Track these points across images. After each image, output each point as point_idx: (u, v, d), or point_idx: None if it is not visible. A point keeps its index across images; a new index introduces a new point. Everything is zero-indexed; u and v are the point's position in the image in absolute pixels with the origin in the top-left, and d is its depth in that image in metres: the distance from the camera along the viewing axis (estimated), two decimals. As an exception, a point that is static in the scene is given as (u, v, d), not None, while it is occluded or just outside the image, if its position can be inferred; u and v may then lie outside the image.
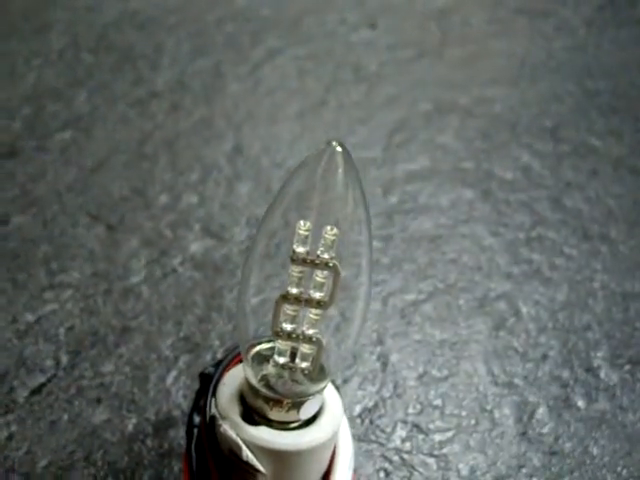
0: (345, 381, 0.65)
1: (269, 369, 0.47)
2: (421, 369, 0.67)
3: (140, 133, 0.92)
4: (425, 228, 0.82)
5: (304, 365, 0.47)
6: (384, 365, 0.67)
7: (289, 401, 0.46)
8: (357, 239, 0.44)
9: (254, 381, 0.46)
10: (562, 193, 0.89)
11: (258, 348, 0.48)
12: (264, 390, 0.46)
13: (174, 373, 0.64)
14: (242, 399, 0.49)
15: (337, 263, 0.44)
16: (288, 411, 0.47)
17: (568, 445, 0.62)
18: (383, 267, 0.76)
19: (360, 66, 1.11)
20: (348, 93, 1.04)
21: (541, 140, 0.98)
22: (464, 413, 0.64)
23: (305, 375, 0.47)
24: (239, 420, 0.47)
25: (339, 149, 0.42)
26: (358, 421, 0.62)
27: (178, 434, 0.60)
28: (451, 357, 0.68)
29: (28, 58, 1.04)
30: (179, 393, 0.63)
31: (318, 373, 0.47)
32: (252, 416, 0.48)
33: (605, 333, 0.71)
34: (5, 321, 0.68)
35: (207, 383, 0.54)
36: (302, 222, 0.43)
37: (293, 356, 0.47)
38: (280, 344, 0.47)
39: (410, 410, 0.64)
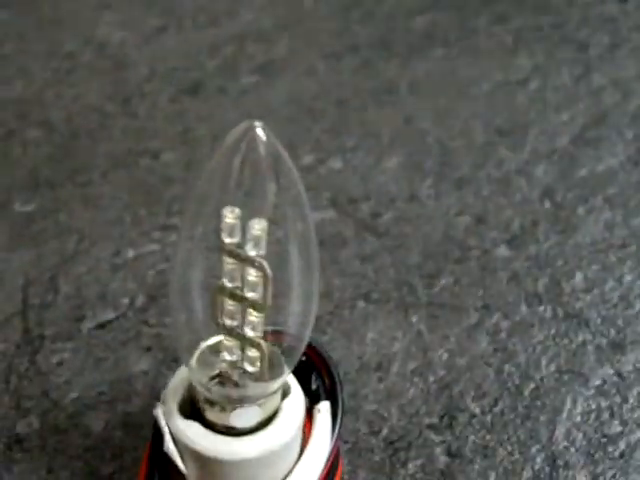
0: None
1: (220, 366, 0.43)
2: None
3: (320, 86, 0.89)
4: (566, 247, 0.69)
5: (250, 369, 0.42)
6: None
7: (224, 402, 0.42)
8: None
9: (200, 382, 0.43)
10: None
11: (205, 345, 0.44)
12: (199, 387, 0.42)
13: (227, 342, 0.62)
14: (189, 386, 0.45)
15: (263, 262, 0.38)
16: (221, 412, 0.43)
17: None
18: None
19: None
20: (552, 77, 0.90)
21: None
22: None
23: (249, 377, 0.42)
24: (174, 407, 0.44)
25: (260, 133, 0.36)
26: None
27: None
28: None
29: None
30: (221, 363, 0.61)
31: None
32: (192, 409, 0.44)
33: None
34: (110, 252, 0.70)
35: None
36: (229, 208, 0.38)
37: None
38: (226, 340, 0.42)
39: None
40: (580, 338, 0.61)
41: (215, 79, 0.89)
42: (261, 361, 0.41)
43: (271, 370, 0.42)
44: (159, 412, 0.44)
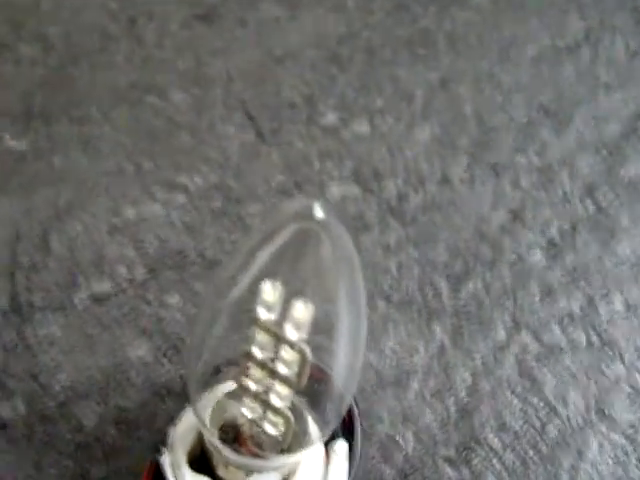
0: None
1: (234, 418, 0.39)
2: None
3: (347, 28, 0.80)
4: (602, 257, 0.64)
5: (272, 432, 0.37)
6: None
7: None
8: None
9: (209, 432, 0.38)
10: None
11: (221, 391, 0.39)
12: (217, 444, 0.38)
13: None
14: (199, 435, 0.41)
15: (304, 348, 0.33)
16: (235, 472, 0.39)
17: None
18: (526, 299, 0.61)
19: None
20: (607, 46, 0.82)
21: None
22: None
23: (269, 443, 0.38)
24: (182, 458, 0.40)
25: (319, 216, 0.30)
26: None
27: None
28: None
29: None
30: (225, 359, 0.56)
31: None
32: (199, 460, 0.40)
33: None
34: (107, 209, 0.63)
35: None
36: (269, 285, 0.33)
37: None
38: (247, 400, 0.37)
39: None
40: (614, 373, 0.57)
41: (233, 6, 0.80)
42: (286, 431, 0.37)
43: (296, 439, 0.38)
44: (165, 461, 0.40)
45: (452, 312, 0.58)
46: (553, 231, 0.64)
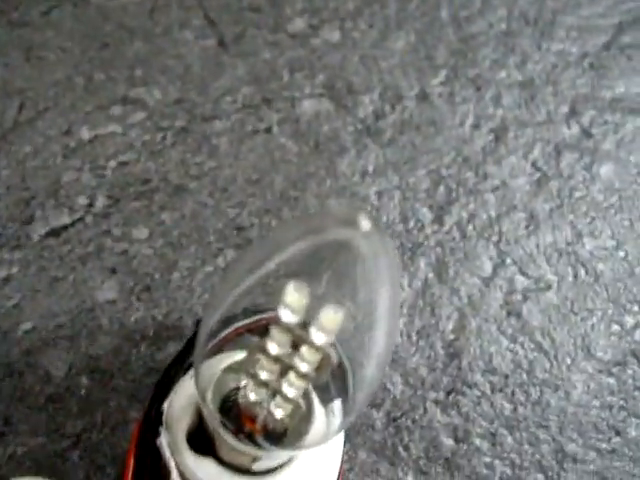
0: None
1: (239, 397, 0.36)
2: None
3: None
4: (596, 187, 0.62)
5: (279, 415, 0.35)
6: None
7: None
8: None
9: (211, 407, 0.35)
10: None
11: (228, 360, 0.36)
12: (221, 428, 0.35)
13: (207, 269, 0.53)
14: (198, 410, 0.38)
15: (331, 353, 0.30)
16: (239, 456, 0.36)
17: None
18: (516, 223, 0.58)
19: None
20: None
21: None
22: None
23: (270, 433, 0.35)
24: (182, 439, 0.37)
25: (365, 227, 0.27)
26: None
27: (177, 351, 0.51)
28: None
29: None
30: (202, 299, 0.52)
31: (293, 433, 0.36)
32: (200, 438, 0.37)
33: None
34: (58, 130, 0.57)
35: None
36: (293, 287, 0.29)
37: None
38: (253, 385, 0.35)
39: None
40: (600, 309, 0.56)
41: None
42: (292, 416, 0.35)
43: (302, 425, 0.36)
44: (163, 442, 0.37)
45: (436, 244, 0.56)
46: (537, 154, 0.61)
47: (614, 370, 0.53)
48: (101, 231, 0.54)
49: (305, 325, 0.30)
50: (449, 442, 0.49)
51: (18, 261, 0.52)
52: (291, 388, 0.33)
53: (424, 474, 0.48)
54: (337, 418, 0.36)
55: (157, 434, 0.38)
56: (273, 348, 0.32)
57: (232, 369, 0.36)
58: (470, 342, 0.53)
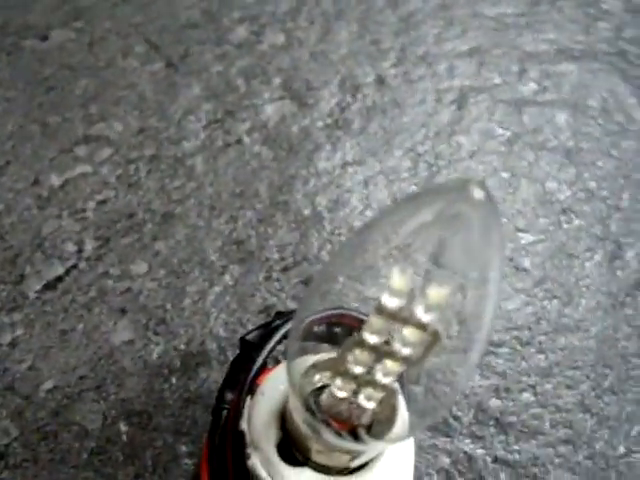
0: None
1: (323, 398, 0.35)
2: (515, 340, 0.54)
3: None
4: (563, 135, 0.64)
5: (369, 406, 0.35)
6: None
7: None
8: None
9: (299, 413, 0.34)
10: None
11: (314, 359, 0.36)
12: (310, 434, 0.34)
13: (217, 289, 0.52)
14: (283, 421, 0.37)
15: (439, 330, 0.30)
16: (338, 456, 0.36)
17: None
18: (498, 182, 0.59)
19: None
20: None
21: None
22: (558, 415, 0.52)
23: (365, 425, 0.35)
24: (273, 454, 0.36)
25: (478, 196, 0.27)
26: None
27: (209, 376, 0.49)
28: (557, 329, 0.55)
29: None
30: (219, 319, 0.51)
31: (385, 424, 0.35)
32: (291, 448, 0.37)
33: None
34: (26, 180, 0.55)
35: (248, 354, 0.43)
36: (398, 270, 0.29)
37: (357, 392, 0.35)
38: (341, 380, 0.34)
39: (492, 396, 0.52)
40: (593, 246, 0.58)
41: None
42: (385, 404, 0.34)
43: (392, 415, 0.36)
44: (256, 463, 0.36)
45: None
46: (500, 115, 0.63)
47: (627, 301, 0.55)
48: (98, 274, 0.52)
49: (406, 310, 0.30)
50: (495, 403, 0.50)
51: (20, 322, 0.50)
52: (386, 376, 0.33)
53: (480, 438, 0.49)
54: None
55: (243, 457, 0.37)
56: (372, 338, 0.31)
57: (314, 368, 0.36)
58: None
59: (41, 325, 0.50)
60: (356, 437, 0.34)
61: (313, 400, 0.35)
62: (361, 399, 0.34)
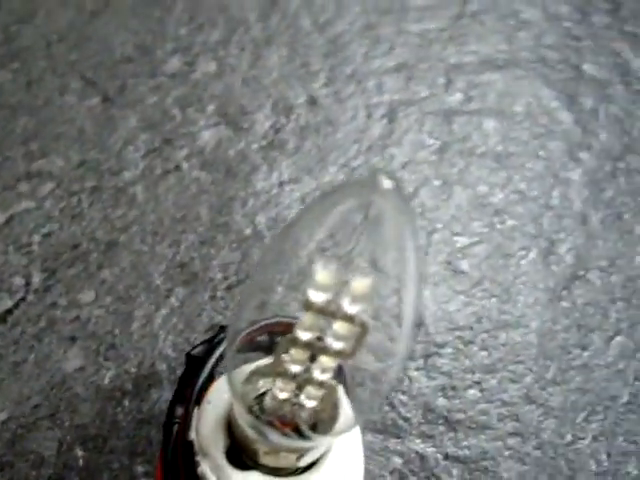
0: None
1: (265, 402, 0.37)
2: (459, 340, 0.56)
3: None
4: (491, 141, 0.67)
5: (310, 405, 0.36)
6: (416, 327, 0.56)
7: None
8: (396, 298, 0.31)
9: (243, 420, 0.36)
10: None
11: (254, 366, 0.37)
12: (255, 437, 0.36)
13: (164, 312, 0.54)
14: (230, 428, 0.38)
15: (365, 320, 0.31)
16: (285, 457, 0.37)
17: (622, 466, 0.53)
18: (432, 190, 0.62)
19: None
20: None
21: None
22: (504, 409, 0.54)
23: (308, 422, 0.36)
24: (222, 460, 0.37)
25: (387, 186, 0.28)
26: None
27: (161, 396, 0.50)
28: (499, 326, 0.57)
29: None
30: (167, 341, 0.53)
31: (327, 420, 0.37)
32: (239, 453, 0.38)
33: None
34: (-30, 218, 0.57)
35: (194, 369, 0.44)
36: (321, 266, 0.31)
37: (299, 390, 0.36)
38: (281, 380, 0.36)
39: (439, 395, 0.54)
40: (527, 245, 0.60)
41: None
42: (326, 402, 0.36)
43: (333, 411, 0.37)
44: (206, 469, 0.37)
45: (369, 229, 0.59)
46: (430, 126, 0.66)
47: (563, 294, 0.58)
48: (47, 305, 0.53)
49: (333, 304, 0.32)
50: (442, 402, 0.52)
51: (-30, 357, 0.51)
52: (323, 373, 0.34)
53: (430, 437, 0.51)
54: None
55: (193, 466, 0.38)
56: (304, 335, 0.33)
57: (255, 375, 0.37)
58: (429, 307, 0.56)
59: (-8, 359, 0.51)
60: (301, 435, 0.36)
61: (257, 405, 0.37)
62: (302, 399, 0.36)
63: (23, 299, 0.53)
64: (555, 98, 0.69)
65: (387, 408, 0.51)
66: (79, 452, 0.48)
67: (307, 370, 0.35)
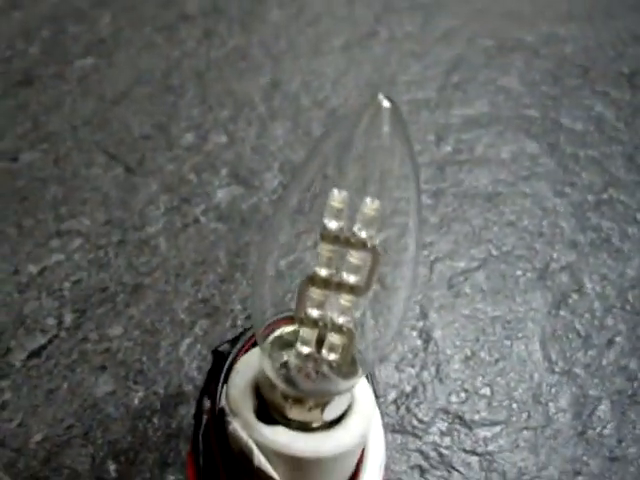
0: (380, 360, 0.58)
1: (290, 359, 0.40)
2: (468, 350, 0.59)
3: (167, 62, 0.83)
4: (481, 184, 0.73)
5: (332, 357, 0.39)
6: (426, 343, 0.59)
7: (312, 399, 0.39)
8: (402, 210, 0.35)
9: (271, 373, 0.39)
10: (639, 150, 0.79)
11: (279, 332, 0.40)
12: (283, 385, 0.39)
13: (188, 340, 0.57)
14: (257, 391, 0.41)
15: (377, 244, 0.35)
16: (310, 410, 0.39)
17: (632, 450, 0.54)
18: (431, 227, 0.67)
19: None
20: (401, 24, 0.93)
21: (617, 87, 0.87)
22: (514, 405, 0.55)
23: (333, 369, 0.39)
24: (252, 418, 0.40)
25: (386, 105, 0.33)
26: (392, 408, 0.55)
27: (189, 412, 0.53)
28: (503, 337, 0.60)
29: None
30: (193, 364, 0.56)
31: (348, 367, 0.40)
32: (268, 413, 0.40)
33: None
34: (6, 272, 0.61)
35: (220, 363, 0.47)
36: (336, 191, 0.35)
37: (320, 345, 0.39)
38: (304, 332, 0.39)
39: (453, 398, 0.56)
40: (524, 269, 0.65)
41: (48, 65, 0.80)
42: (347, 347, 0.39)
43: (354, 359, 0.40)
44: (237, 427, 0.40)
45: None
46: (426, 175, 0.71)
47: (561, 305, 0.61)
48: (78, 340, 0.57)
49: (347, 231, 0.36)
50: (456, 404, 0.54)
51: (8, 388, 0.54)
52: (342, 315, 0.38)
53: (447, 434, 0.53)
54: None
55: (224, 428, 0.40)
56: (322, 271, 0.36)
57: (280, 338, 0.40)
58: (436, 325, 0.60)
59: (28, 388, 0.54)
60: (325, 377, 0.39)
61: (283, 366, 0.40)
62: (324, 353, 0.39)
63: (56, 336, 0.57)
64: (537, 147, 0.75)
65: (404, 411, 0.54)
66: (112, 465, 0.50)
67: (327, 315, 0.38)
